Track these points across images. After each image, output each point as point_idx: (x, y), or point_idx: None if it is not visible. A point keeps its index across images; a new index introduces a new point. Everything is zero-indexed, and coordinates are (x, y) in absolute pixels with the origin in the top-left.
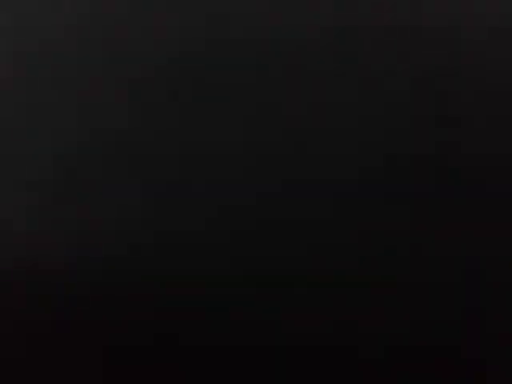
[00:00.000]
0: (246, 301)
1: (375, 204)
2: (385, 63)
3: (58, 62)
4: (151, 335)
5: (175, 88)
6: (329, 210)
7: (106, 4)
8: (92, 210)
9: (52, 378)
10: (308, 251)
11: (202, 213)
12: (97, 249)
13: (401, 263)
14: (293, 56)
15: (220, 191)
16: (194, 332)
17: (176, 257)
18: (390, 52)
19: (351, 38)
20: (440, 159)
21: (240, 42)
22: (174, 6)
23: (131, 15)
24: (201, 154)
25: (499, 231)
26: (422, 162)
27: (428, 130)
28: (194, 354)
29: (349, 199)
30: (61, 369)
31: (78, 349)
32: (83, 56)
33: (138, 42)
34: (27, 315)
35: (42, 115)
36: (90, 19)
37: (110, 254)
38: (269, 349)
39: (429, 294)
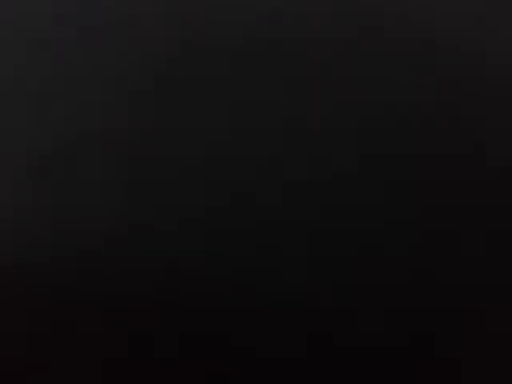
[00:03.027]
0: (240, 300)
1: (373, 205)
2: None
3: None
4: (146, 332)
5: (167, 84)
6: (328, 210)
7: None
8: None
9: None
10: (304, 251)
11: (187, 211)
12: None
13: (399, 263)
14: (291, 52)
15: (214, 190)
16: (188, 329)
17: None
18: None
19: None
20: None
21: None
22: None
23: (126, 13)
24: (184, 152)
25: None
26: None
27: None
28: (186, 352)
29: (347, 201)
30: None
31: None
32: (72, 52)
33: (131, 38)
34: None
35: (27, 111)
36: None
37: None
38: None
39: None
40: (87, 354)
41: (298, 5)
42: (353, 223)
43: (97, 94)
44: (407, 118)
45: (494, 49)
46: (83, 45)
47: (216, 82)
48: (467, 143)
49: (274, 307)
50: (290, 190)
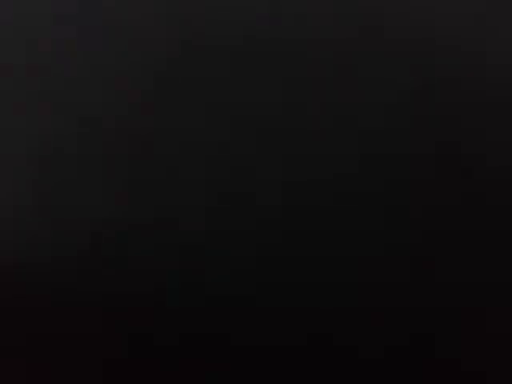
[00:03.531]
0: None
1: (372, 207)
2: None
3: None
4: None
5: (167, 84)
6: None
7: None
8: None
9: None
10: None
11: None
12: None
13: (398, 264)
14: (289, 53)
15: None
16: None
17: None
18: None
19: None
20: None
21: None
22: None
23: (123, 14)
24: (178, 154)
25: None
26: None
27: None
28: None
29: (345, 201)
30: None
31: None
32: (65, 52)
33: (126, 39)
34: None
35: (20, 114)
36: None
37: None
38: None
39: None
40: (87, 354)
41: (298, 5)
42: (353, 223)
43: (97, 94)
44: (407, 117)
45: (493, 49)
46: (83, 45)
47: (216, 82)
48: (467, 143)
49: (274, 307)
50: (289, 190)
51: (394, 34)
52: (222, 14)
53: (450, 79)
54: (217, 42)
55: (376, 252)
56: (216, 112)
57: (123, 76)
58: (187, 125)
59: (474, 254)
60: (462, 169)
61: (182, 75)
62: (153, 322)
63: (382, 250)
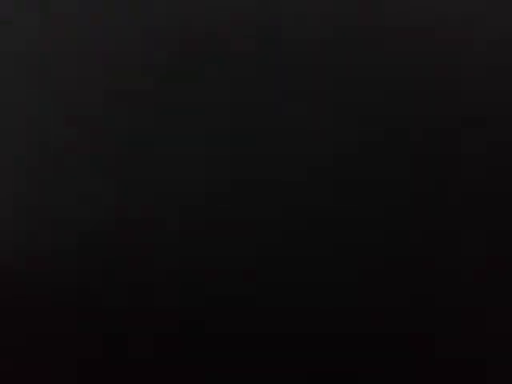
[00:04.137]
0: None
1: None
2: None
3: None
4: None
5: (167, 84)
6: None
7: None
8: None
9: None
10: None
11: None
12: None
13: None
14: (290, 52)
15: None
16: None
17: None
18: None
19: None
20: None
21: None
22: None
23: (123, 12)
24: (176, 153)
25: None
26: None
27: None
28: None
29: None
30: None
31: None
32: (64, 52)
33: (128, 34)
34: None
35: (19, 111)
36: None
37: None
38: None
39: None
40: (87, 354)
41: (298, 5)
42: (352, 223)
43: (97, 94)
44: (407, 117)
45: (493, 49)
46: (83, 45)
47: (216, 82)
48: (467, 143)
49: (274, 307)
50: (289, 190)
51: (394, 34)
52: (222, 14)
53: (450, 80)
54: (217, 42)
55: (376, 252)
56: (216, 112)
57: (123, 76)
58: (187, 125)
59: (474, 254)
60: (461, 169)
61: (181, 75)
62: (153, 321)
63: (382, 250)
